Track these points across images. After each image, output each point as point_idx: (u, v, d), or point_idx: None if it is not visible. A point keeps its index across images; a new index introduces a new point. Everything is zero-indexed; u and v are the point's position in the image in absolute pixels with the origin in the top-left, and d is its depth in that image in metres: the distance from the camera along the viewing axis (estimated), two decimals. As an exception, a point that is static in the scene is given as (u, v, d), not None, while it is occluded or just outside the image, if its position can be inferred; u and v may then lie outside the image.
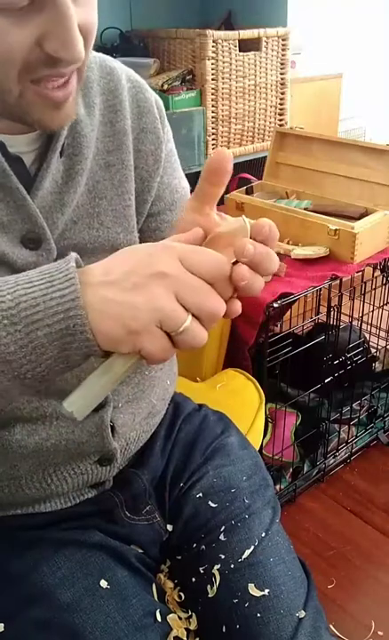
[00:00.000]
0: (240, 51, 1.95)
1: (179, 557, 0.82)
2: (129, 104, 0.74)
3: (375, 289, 1.64)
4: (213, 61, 1.90)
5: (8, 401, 0.54)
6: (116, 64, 0.75)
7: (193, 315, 0.50)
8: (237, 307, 0.55)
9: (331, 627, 1.32)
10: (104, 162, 0.72)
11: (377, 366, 1.92)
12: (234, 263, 0.53)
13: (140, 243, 0.77)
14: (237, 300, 0.55)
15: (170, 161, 0.81)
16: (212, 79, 1.92)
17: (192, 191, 0.60)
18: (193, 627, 0.76)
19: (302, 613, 0.74)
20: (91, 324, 0.49)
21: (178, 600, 0.80)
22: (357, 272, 1.51)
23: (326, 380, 1.60)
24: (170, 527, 0.84)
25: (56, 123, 0.58)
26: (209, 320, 0.51)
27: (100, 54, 0.75)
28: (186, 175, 0.87)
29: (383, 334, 1.96)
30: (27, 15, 0.50)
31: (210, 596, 0.76)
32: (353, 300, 1.61)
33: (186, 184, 0.85)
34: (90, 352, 0.51)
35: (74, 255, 0.52)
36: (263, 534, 0.80)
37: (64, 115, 0.58)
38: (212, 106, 1.95)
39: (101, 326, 0.50)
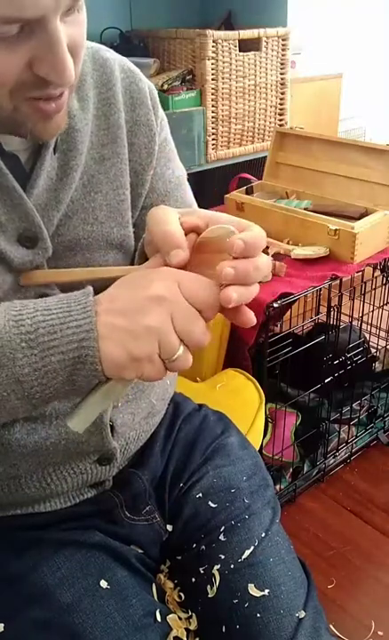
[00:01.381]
0: (240, 51, 1.95)
1: (179, 557, 0.82)
2: (122, 96, 0.73)
3: (375, 289, 1.64)
4: (213, 61, 1.90)
5: (11, 417, 0.58)
6: (110, 54, 0.74)
7: (182, 342, 0.54)
8: (245, 317, 0.58)
9: (331, 627, 1.32)
10: (98, 155, 0.72)
11: (377, 366, 1.92)
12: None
13: (136, 237, 0.77)
14: (243, 310, 0.58)
15: (165, 151, 0.80)
16: (212, 79, 1.92)
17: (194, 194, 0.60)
18: (193, 627, 0.76)
19: (302, 613, 0.74)
20: (99, 352, 0.53)
21: (178, 600, 0.80)
22: (357, 272, 1.51)
23: (326, 380, 1.60)
24: (169, 527, 0.84)
25: (48, 133, 0.60)
26: (194, 348, 0.55)
27: (94, 44, 0.74)
28: (186, 175, 0.86)
29: (383, 334, 1.96)
30: (18, 41, 0.51)
31: (210, 596, 0.76)
32: (353, 299, 1.61)
33: (181, 172, 0.84)
34: (96, 378, 0.55)
35: (90, 288, 0.56)
36: (263, 534, 0.80)
37: (55, 125, 0.59)
38: (212, 106, 1.95)
39: (107, 352, 0.53)
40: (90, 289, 0.56)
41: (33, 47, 0.52)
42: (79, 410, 0.56)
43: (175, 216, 0.58)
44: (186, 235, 0.57)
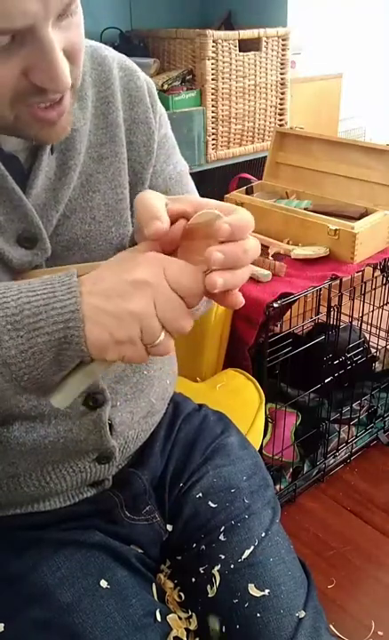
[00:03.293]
0: (240, 51, 1.95)
1: (179, 557, 0.82)
2: (120, 95, 0.73)
3: (375, 289, 1.64)
4: (213, 61, 1.90)
5: (3, 401, 0.57)
6: (108, 52, 0.74)
7: (164, 328, 0.54)
8: (232, 299, 0.57)
9: (331, 627, 1.32)
10: (97, 154, 0.71)
11: (377, 366, 1.92)
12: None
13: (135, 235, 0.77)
14: (231, 293, 0.57)
15: (165, 147, 0.80)
16: (212, 79, 1.92)
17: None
18: (193, 627, 0.76)
19: (302, 613, 0.74)
20: (84, 332, 0.53)
21: (178, 600, 0.80)
22: (357, 272, 1.51)
23: (326, 380, 1.60)
24: (169, 527, 0.84)
25: (53, 137, 0.60)
26: (176, 334, 0.55)
27: (92, 42, 0.74)
28: (188, 169, 0.86)
29: (383, 334, 1.96)
30: (10, 50, 0.51)
31: (210, 596, 0.76)
32: (353, 300, 1.61)
33: (182, 167, 0.83)
34: (81, 358, 0.55)
35: (75, 270, 0.55)
36: (263, 534, 0.80)
37: (60, 129, 0.59)
38: (212, 106, 1.95)
39: (91, 334, 0.53)
40: (73, 270, 0.56)
41: (26, 56, 0.52)
42: (62, 388, 0.56)
43: (161, 198, 0.57)
44: (174, 221, 0.56)
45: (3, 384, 0.54)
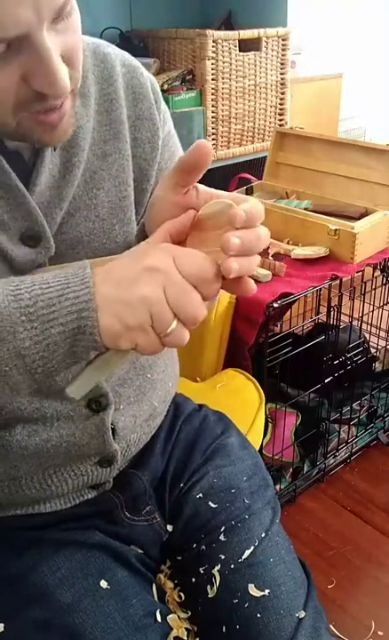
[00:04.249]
0: (240, 51, 1.95)
1: (179, 558, 0.82)
2: (124, 92, 0.73)
3: (375, 289, 1.64)
4: (213, 61, 1.90)
5: (14, 395, 0.57)
6: (110, 49, 0.74)
7: (176, 317, 0.54)
8: (245, 286, 0.58)
9: (331, 627, 1.32)
10: (101, 152, 0.71)
11: (377, 366, 1.92)
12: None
13: (141, 232, 0.77)
14: (244, 280, 0.57)
15: (169, 144, 0.80)
16: (212, 79, 1.92)
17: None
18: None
19: (302, 613, 0.74)
20: (98, 322, 0.53)
21: (178, 600, 0.80)
22: (357, 272, 1.51)
23: (326, 380, 1.60)
24: (170, 527, 0.84)
25: (54, 140, 0.61)
26: (191, 323, 0.54)
27: (94, 39, 0.74)
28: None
29: (383, 334, 1.96)
30: (7, 58, 0.51)
31: (210, 596, 0.76)
32: (353, 299, 1.61)
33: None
34: (96, 349, 0.55)
35: (88, 262, 0.56)
36: (263, 534, 0.80)
37: (61, 131, 0.60)
38: (212, 106, 1.95)
39: (103, 322, 0.53)
40: (86, 262, 0.56)
41: (24, 62, 0.52)
42: (77, 379, 0.57)
43: None
44: (185, 210, 0.58)
45: (16, 377, 0.54)
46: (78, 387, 0.57)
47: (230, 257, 0.53)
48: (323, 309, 1.55)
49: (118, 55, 0.74)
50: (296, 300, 1.44)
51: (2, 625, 0.69)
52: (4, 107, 0.55)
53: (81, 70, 0.60)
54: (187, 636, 0.74)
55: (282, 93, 2.15)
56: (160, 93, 0.78)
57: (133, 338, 0.54)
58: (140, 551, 0.80)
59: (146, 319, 0.53)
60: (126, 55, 0.76)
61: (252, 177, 1.96)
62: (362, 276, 1.56)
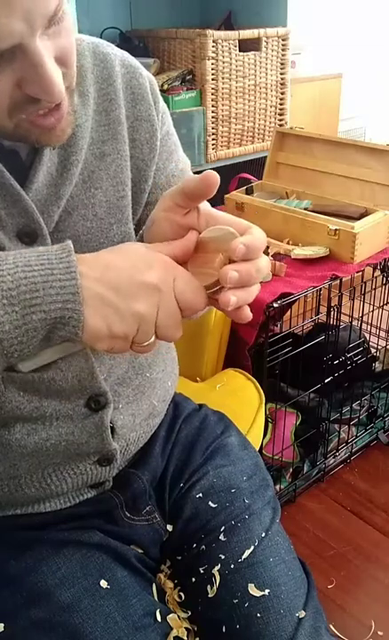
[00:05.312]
0: (240, 51, 1.95)
1: (179, 557, 0.82)
2: (123, 92, 0.73)
3: (375, 289, 1.64)
4: (213, 61, 1.90)
5: None
6: (110, 49, 0.74)
7: (156, 332, 0.56)
8: (241, 314, 0.59)
9: (331, 627, 1.32)
10: (99, 151, 0.71)
11: (377, 366, 1.92)
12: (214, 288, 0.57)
13: (137, 233, 0.77)
14: (241, 309, 0.58)
15: (167, 144, 0.80)
16: (212, 79, 1.92)
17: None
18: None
19: (302, 613, 0.74)
20: (83, 317, 0.53)
21: (178, 600, 0.80)
22: (357, 272, 1.51)
23: (326, 380, 1.60)
24: (169, 527, 0.84)
25: (53, 141, 0.61)
26: (166, 340, 0.57)
27: (94, 39, 0.74)
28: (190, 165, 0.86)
29: (383, 334, 1.96)
30: (1, 66, 0.52)
31: (210, 596, 0.76)
32: (353, 300, 1.61)
33: (184, 164, 0.84)
34: (72, 340, 0.55)
35: (70, 243, 0.55)
36: (263, 534, 0.80)
37: (59, 132, 0.60)
38: (212, 106, 1.95)
39: (90, 321, 0.53)
40: (69, 244, 0.55)
41: (17, 69, 0.52)
42: (35, 358, 0.57)
43: None
44: (184, 229, 0.59)
45: None
46: (32, 363, 0.58)
47: (229, 290, 0.55)
48: (323, 309, 1.55)
49: (118, 55, 0.74)
50: (296, 300, 1.44)
51: (1, 625, 0.69)
52: (0, 110, 0.55)
53: (75, 67, 0.60)
54: (187, 636, 0.74)
55: (282, 93, 2.15)
56: (159, 93, 0.78)
57: (112, 344, 0.55)
58: (140, 551, 0.80)
59: (132, 332, 0.54)
60: (126, 55, 0.76)
61: (252, 177, 1.96)
62: (362, 275, 1.56)
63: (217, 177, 0.57)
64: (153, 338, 0.55)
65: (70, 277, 0.52)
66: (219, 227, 0.58)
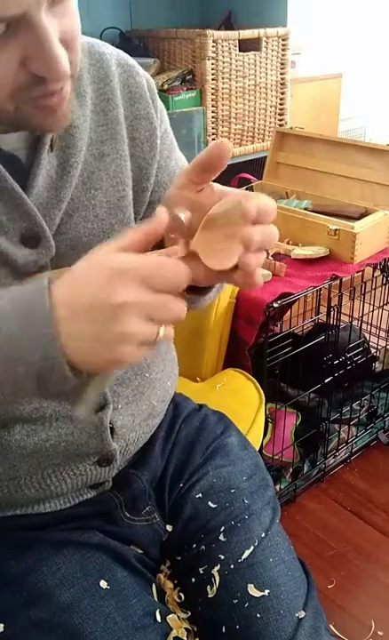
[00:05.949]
0: (240, 51, 1.95)
1: (179, 558, 0.82)
2: (120, 91, 0.73)
3: (375, 289, 1.64)
4: (213, 61, 1.90)
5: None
6: (105, 48, 0.74)
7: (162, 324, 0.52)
8: (254, 279, 0.56)
9: (331, 627, 1.32)
10: (98, 152, 0.71)
11: (377, 366, 1.92)
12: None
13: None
14: (253, 273, 0.56)
15: (166, 142, 0.79)
16: (212, 79, 1.92)
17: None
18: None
19: (302, 614, 0.74)
20: (69, 357, 0.51)
21: (178, 600, 0.80)
22: (357, 272, 1.51)
23: (326, 380, 1.60)
24: (169, 527, 0.84)
25: (55, 125, 0.60)
26: (175, 324, 0.53)
27: (89, 39, 0.73)
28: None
29: (383, 334, 1.96)
30: (6, 40, 0.51)
31: (209, 596, 0.76)
32: (353, 300, 1.61)
33: (183, 162, 0.83)
34: (68, 383, 0.53)
35: (45, 281, 0.52)
36: (263, 535, 0.80)
37: (61, 116, 0.59)
38: (212, 106, 1.95)
39: (79, 359, 0.51)
40: (44, 283, 0.52)
41: (22, 45, 0.52)
42: (81, 400, 0.56)
43: None
44: (197, 208, 0.57)
45: None
46: (86, 408, 0.56)
47: (249, 253, 0.53)
48: (323, 309, 1.55)
49: (113, 55, 0.74)
50: (296, 300, 1.44)
51: (1, 625, 0.69)
52: (2, 91, 0.54)
53: (79, 54, 0.59)
54: (187, 636, 0.74)
55: (282, 93, 2.15)
56: (156, 92, 0.78)
57: (110, 366, 0.52)
58: (140, 551, 0.80)
59: (123, 353, 0.51)
60: (121, 54, 0.76)
61: (252, 177, 1.96)
62: (362, 275, 1.56)
63: (229, 144, 0.55)
64: (161, 331, 0.52)
65: (46, 325, 0.50)
66: (226, 200, 0.56)
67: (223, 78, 1.95)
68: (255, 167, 2.08)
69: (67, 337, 0.50)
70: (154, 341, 0.52)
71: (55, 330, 0.50)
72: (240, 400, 1.32)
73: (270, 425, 1.58)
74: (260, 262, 0.55)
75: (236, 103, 2.02)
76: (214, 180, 0.59)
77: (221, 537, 0.80)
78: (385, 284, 1.69)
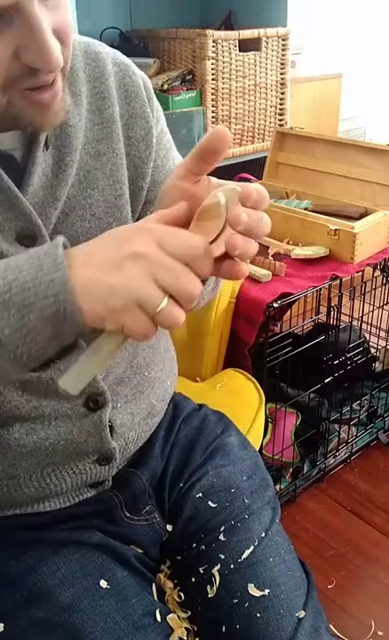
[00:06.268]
0: (240, 51, 1.95)
1: (179, 557, 0.82)
2: (116, 90, 0.73)
3: (375, 289, 1.64)
4: (213, 61, 1.90)
5: (6, 381, 0.56)
6: (102, 48, 0.74)
7: (170, 296, 0.51)
8: (239, 268, 0.55)
9: (331, 627, 1.32)
10: (94, 151, 0.71)
11: (377, 366, 1.92)
12: (214, 240, 0.54)
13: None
14: (239, 262, 0.55)
15: (162, 142, 0.79)
16: (212, 79, 1.92)
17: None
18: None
19: (302, 613, 0.74)
20: (79, 305, 0.51)
21: (178, 600, 0.80)
22: (357, 272, 1.51)
23: (326, 380, 1.60)
24: (169, 527, 0.84)
25: (47, 122, 0.59)
26: (185, 301, 0.52)
27: (85, 38, 0.73)
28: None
29: (383, 334, 1.96)
30: (0, 30, 0.51)
31: (209, 596, 0.76)
32: (353, 299, 1.61)
33: (179, 161, 0.83)
34: (80, 331, 0.53)
35: (61, 239, 0.54)
36: (263, 534, 0.80)
37: (53, 113, 0.59)
38: (212, 106, 1.95)
39: (85, 305, 0.51)
40: (59, 240, 0.54)
41: (15, 36, 0.52)
42: (69, 370, 0.54)
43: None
44: (194, 199, 0.57)
45: (3, 364, 0.53)
46: (72, 380, 0.55)
47: (235, 234, 0.52)
48: (323, 309, 1.55)
49: (109, 54, 0.74)
50: (296, 300, 1.44)
51: (1, 625, 0.69)
52: None
53: (71, 48, 0.59)
54: (187, 636, 0.74)
55: (282, 93, 2.15)
56: (152, 91, 0.78)
57: (118, 319, 0.51)
58: (140, 551, 0.80)
59: (130, 301, 0.50)
60: (117, 54, 0.76)
61: (252, 177, 1.96)
62: (362, 275, 1.56)
63: (226, 132, 0.55)
64: (165, 301, 0.51)
65: (57, 269, 0.51)
66: (219, 189, 0.56)
67: (223, 78, 1.95)
68: (255, 167, 2.08)
69: (76, 283, 0.51)
70: (154, 316, 0.51)
71: (65, 273, 0.51)
72: (240, 400, 1.32)
73: (270, 425, 1.58)
74: (248, 249, 0.53)
75: (236, 103, 2.02)
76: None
77: (221, 536, 0.80)
78: (385, 284, 1.69)
